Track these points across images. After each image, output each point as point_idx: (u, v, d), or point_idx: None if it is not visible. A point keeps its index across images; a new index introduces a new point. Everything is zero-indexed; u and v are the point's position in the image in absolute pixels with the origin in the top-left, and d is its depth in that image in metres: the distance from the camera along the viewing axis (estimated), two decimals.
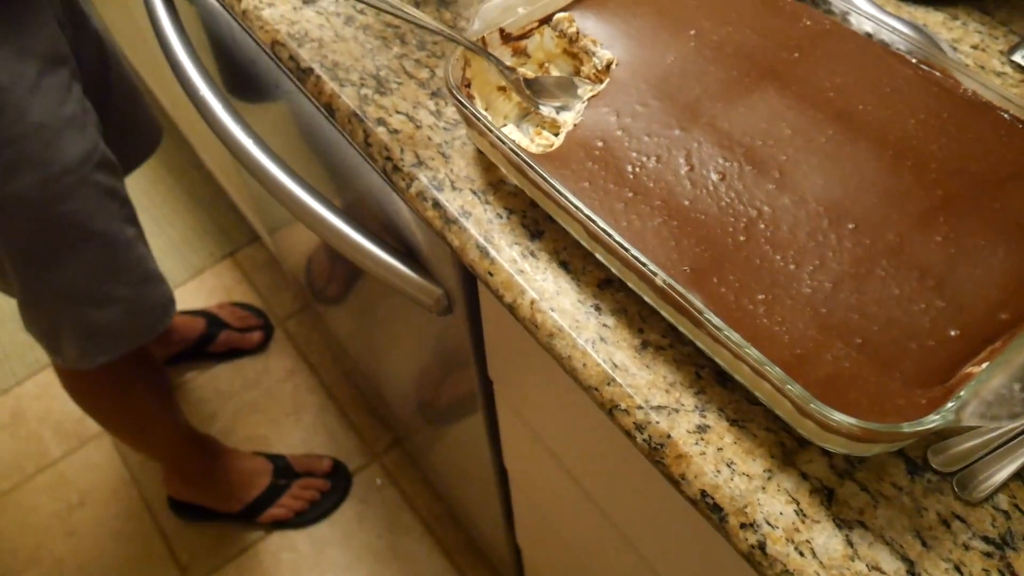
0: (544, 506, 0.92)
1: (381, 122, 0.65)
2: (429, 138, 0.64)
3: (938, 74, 0.56)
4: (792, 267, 0.49)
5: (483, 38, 0.61)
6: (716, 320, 0.46)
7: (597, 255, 0.53)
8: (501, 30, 0.62)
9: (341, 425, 1.63)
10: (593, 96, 0.59)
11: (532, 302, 0.54)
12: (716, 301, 0.48)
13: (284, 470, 1.53)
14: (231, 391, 1.68)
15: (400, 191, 0.63)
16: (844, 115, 0.55)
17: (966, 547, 0.44)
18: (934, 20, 0.68)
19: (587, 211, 0.51)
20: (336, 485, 1.54)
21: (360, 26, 0.72)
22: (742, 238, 0.50)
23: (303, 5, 0.74)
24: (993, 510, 0.45)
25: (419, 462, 1.53)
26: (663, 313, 0.51)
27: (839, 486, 0.46)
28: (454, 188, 0.60)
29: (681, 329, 0.50)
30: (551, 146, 0.59)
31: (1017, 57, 0.63)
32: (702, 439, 0.48)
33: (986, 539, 0.44)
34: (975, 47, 0.66)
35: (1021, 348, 0.43)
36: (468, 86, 0.60)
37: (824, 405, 0.42)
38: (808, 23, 0.60)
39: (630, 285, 0.52)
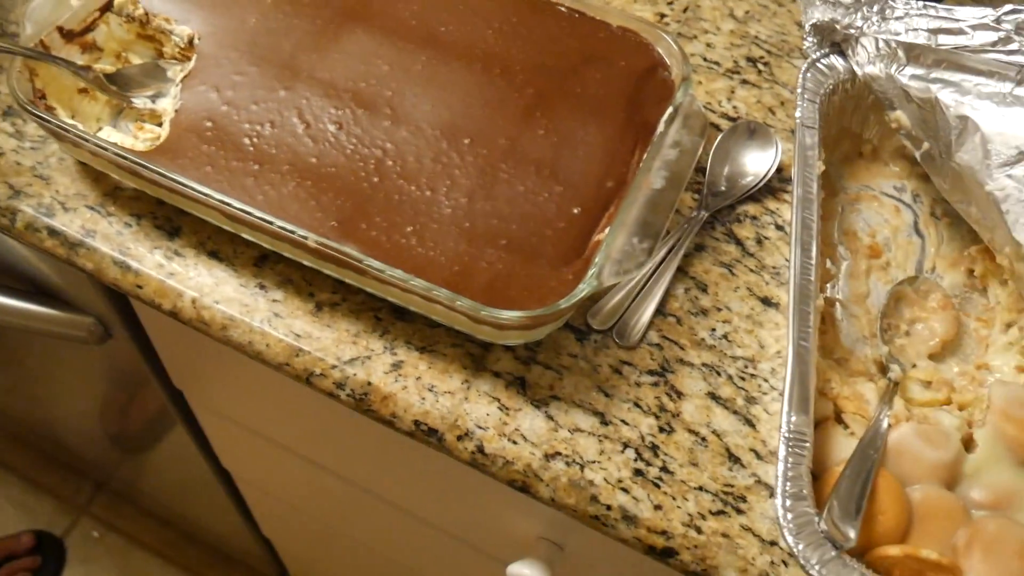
0: (278, 491, 0.91)
1: None
2: (18, 163, 0.57)
3: None
4: (428, 193, 0.52)
5: (41, 41, 0.55)
6: (376, 264, 0.47)
7: (244, 235, 0.52)
8: (60, 28, 0.56)
9: (28, 492, 1.45)
10: (186, 76, 0.56)
11: (193, 301, 0.52)
12: (371, 245, 0.49)
13: None
14: None
15: (5, 229, 0.56)
16: (430, 40, 0.58)
17: (637, 384, 0.51)
18: None
19: (218, 196, 0.49)
20: (47, 558, 1.38)
21: None
22: (376, 179, 0.52)
23: None
24: (648, 347, 0.53)
25: (132, 497, 1.41)
26: (326, 271, 0.51)
27: (527, 372, 0.51)
28: (67, 209, 0.55)
29: (348, 281, 0.51)
30: (157, 138, 0.56)
31: None
32: (400, 375, 0.50)
33: (651, 372, 0.52)
34: None
35: (628, 209, 0.50)
36: (43, 97, 0.55)
37: (492, 309, 0.46)
38: None
39: (287, 255, 0.52)
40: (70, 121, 0.54)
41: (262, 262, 0.54)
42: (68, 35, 0.57)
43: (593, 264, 0.48)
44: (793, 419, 0.46)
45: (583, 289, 0.47)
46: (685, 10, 0.69)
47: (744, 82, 0.64)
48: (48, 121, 0.51)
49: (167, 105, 0.57)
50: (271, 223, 0.48)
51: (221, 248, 0.54)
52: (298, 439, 0.73)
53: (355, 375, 0.50)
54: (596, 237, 0.50)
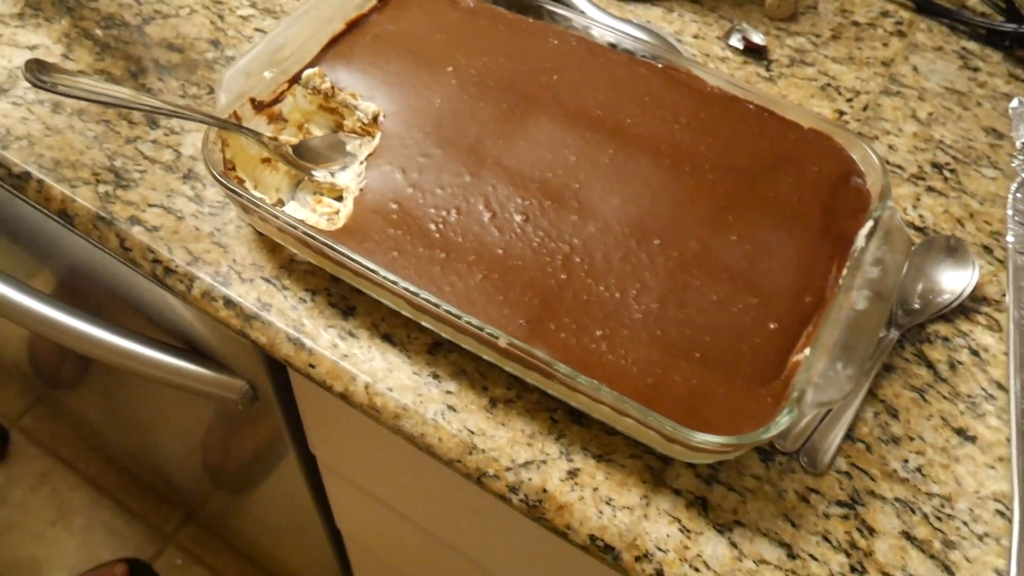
0: (386, 554, 0.90)
1: (135, 221, 0.57)
2: (197, 228, 0.57)
3: (683, 74, 0.60)
4: (617, 295, 0.50)
5: (235, 112, 0.56)
6: (567, 369, 0.46)
7: (423, 323, 0.52)
8: (252, 100, 0.57)
9: (120, 516, 1.47)
10: (371, 155, 0.56)
11: (367, 386, 0.51)
12: (560, 348, 0.48)
13: None
14: None
15: (181, 295, 0.56)
16: (617, 131, 0.57)
17: (826, 515, 0.48)
18: (655, 15, 0.72)
19: (408, 285, 0.48)
20: None
21: (74, 111, 0.63)
22: (564, 276, 0.51)
23: None
24: (837, 474, 0.50)
25: (219, 531, 1.42)
26: (506, 368, 0.50)
27: (709, 493, 0.49)
28: (243, 280, 0.55)
29: (529, 381, 0.50)
30: (336, 212, 0.56)
31: (733, 41, 0.69)
32: (576, 484, 0.48)
33: (840, 503, 0.49)
34: (696, 36, 0.71)
35: (830, 329, 0.47)
36: (232, 168, 0.55)
37: (688, 430, 0.44)
38: (556, 42, 0.61)
39: (466, 347, 0.51)
40: (258, 194, 0.54)
41: (436, 349, 0.53)
42: (259, 106, 0.57)
43: (793, 388, 0.46)
44: None
45: (785, 419, 0.44)
46: (865, 108, 0.66)
47: (930, 189, 0.62)
48: (240, 195, 0.51)
49: (348, 181, 0.57)
50: (460, 318, 0.47)
51: (395, 332, 0.54)
52: (428, 515, 0.72)
53: (530, 480, 0.49)
54: (795, 357, 0.48)
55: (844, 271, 0.50)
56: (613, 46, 0.62)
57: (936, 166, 0.63)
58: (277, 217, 0.51)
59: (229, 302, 0.54)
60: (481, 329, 0.47)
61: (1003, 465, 0.50)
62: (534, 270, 0.51)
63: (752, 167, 0.55)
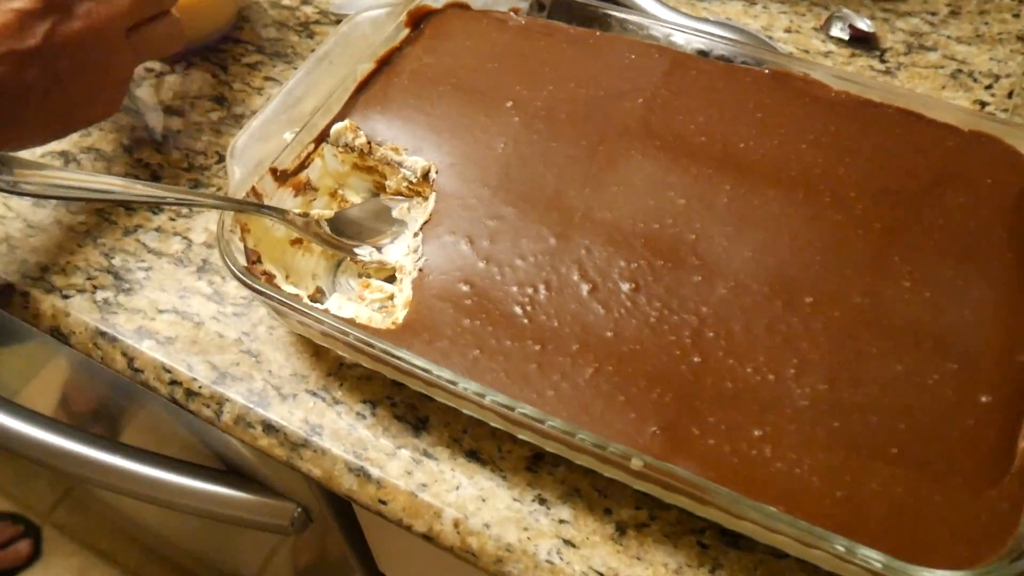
0: None
1: (144, 333, 0.46)
2: (220, 336, 0.46)
3: (799, 80, 0.48)
4: (771, 378, 0.38)
5: (254, 188, 0.45)
6: (727, 493, 0.34)
7: (521, 435, 0.40)
8: (273, 170, 0.46)
9: None
10: (426, 222, 0.45)
11: (456, 523, 0.40)
12: (710, 461, 0.36)
13: None
14: None
15: (209, 421, 0.45)
16: (729, 161, 0.45)
17: None
18: (734, 11, 0.60)
19: (501, 398, 0.37)
20: None
21: (59, 204, 0.52)
22: (697, 359, 0.39)
23: None
24: None
25: None
26: (637, 487, 0.38)
27: None
28: (284, 396, 0.44)
29: (670, 502, 0.38)
30: (389, 298, 0.45)
31: (835, 31, 0.58)
32: None
33: None
34: (789, 31, 0.59)
35: None
36: (258, 261, 0.44)
37: (915, 566, 0.32)
38: (633, 57, 0.50)
39: (579, 462, 0.40)
40: (291, 290, 0.43)
41: (537, 464, 0.42)
42: (281, 176, 0.46)
43: None
44: None
45: None
46: (1010, 95, 0.54)
47: None
48: (270, 296, 0.40)
49: (401, 258, 0.45)
50: (574, 435, 0.36)
51: (482, 446, 0.42)
52: None
53: None
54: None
55: None
56: (703, 54, 0.50)
57: None
58: (321, 321, 0.40)
59: (269, 427, 0.43)
60: (604, 448, 0.36)
61: None
62: (657, 355, 0.39)
63: (910, 189, 0.44)
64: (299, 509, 0.53)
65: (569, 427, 0.36)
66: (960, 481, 0.35)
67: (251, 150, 0.45)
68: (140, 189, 0.42)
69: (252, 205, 0.44)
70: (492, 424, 0.41)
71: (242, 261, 0.42)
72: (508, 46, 0.51)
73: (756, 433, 0.37)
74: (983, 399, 0.37)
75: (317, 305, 0.42)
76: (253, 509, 0.53)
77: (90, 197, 0.41)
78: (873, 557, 0.32)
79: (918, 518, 0.34)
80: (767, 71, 0.49)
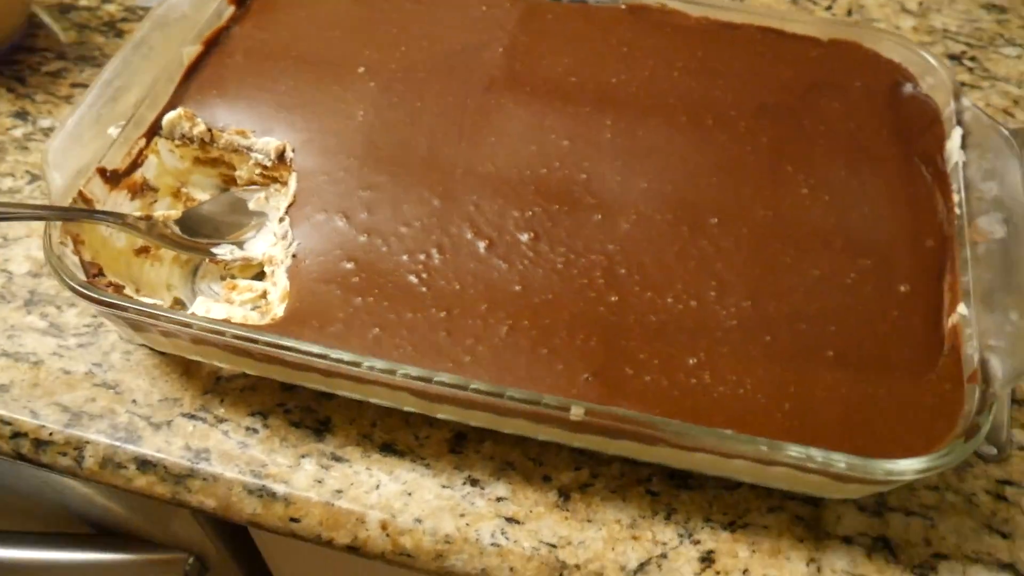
0: None
1: None
2: (66, 371, 0.40)
3: (656, 12, 0.47)
4: (694, 304, 0.36)
5: (81, 194, 0.38)
6: (680, 424, 0.32)
7: (440, 415, 0.36)
8: (101, 170, 0.39)
9: None
10: (291, 205, 0.40)
11: (384, 525, 0.36)
12: (650, 397, 0.34)
13: None
14: None
15: (70, 472, 0.38)
16: (605, 97, 0.43)
17: None
18: None
19: (412, 370, 0.33)
20: None
21: None
22: (614, 298, 0.36)
23: None
24: (1015, 452, 0.38)
25: None
26: (575, 445, 0.35)
27: (886, 528, 0.36)
28: (156, 426, 0.38)
29: (613, 453, 0.35)
30: (263, 296, 0.40)
31: None
32: (718, 572, 0.34)
33: None
34: None
35: (975, 271, 0.36)
36: (100, 274, 0.38)
37: (877, 461, 0.31)
38: (484, 8, 0.47)
39: (506, 431, 0.36)
40: (147, 300, 0.37)
41: (460, 445, 0.38)
42: (112, 177, 0.40)
43: (969, 358, 0.33)
44: None
45: (988, 414, 0.32)
46: (849, 12, 0.55)
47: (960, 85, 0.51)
48: (126, 308, 0.34)
49: (268, 249, 0.40)
50: (502, 395, 0.32)
51: (397, 437, 0.38)
52: None
53: None
54: (949, 321, 0.36)
55: (956, 197, 0.39)
56: None
57: (953, 57, 0.53)
58: (190, 325, 0.34)
59: (145, 463, 0.37)
60: (538, 403, 0.32)
61: None
62: (573, 301, 0.36)
63: (786, 102, 0.43)
64: (192, 559, 0.47)
65: (495, 388, 0.32)
66: (899, 372, 0.34)
67: (71, 153, 0.39)
68: None
69: (81, 212, 0.37)
70: (405, 409, 0.36)
71: (81, 276, 0.36)
72: (348, 12, 0.47)
73: (691, 361, 0.35)
74: (902, 288, 0.37)
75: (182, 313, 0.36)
76: (137, 570, 0.46)
77: None
78: (835, 459, 0.31)
79: (869, 415, 0.33)
80: (623, 6, 0.47)
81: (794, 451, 0.31)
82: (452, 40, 0.45)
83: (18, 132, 0.49)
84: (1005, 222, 0.37)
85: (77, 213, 0.37)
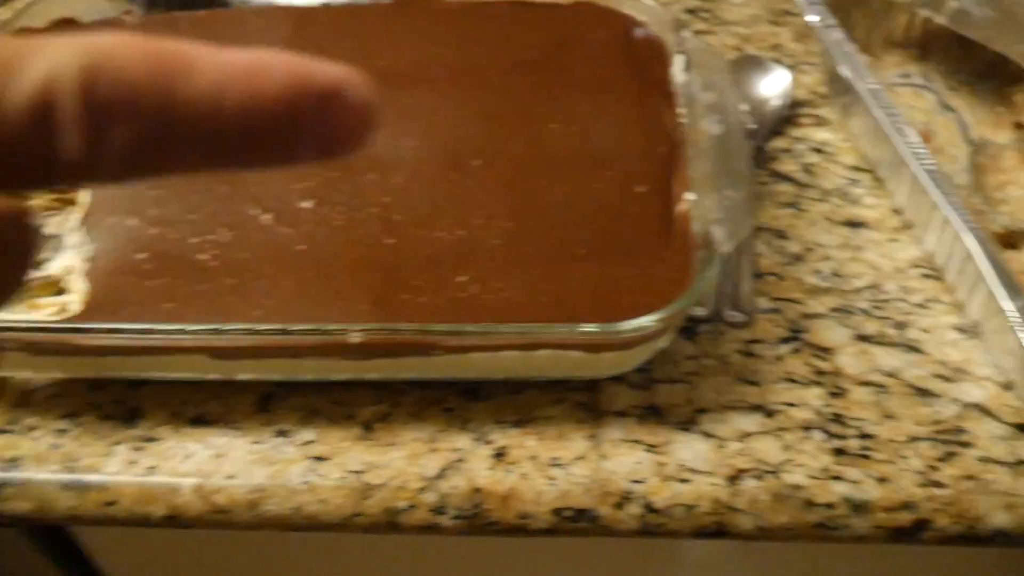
0: None
1: None
2: None
3: (419, 2, 0.52)
4: (463, 232, 0.40)
5: None
6: (446, 327, 0.35)
7: (240, 376, 0.39)
8: None
9: None
10: (86, 216, 0.42)
11: (198, 488, 0.37)
12: (426, 314, 0.37)
13: None
14: None
15: None
16: (374, 74, 0.45)
17: (778, 358, 0.41)
18: None
19: (205, 327, 0.35)
20: None
21: None
22: (391, 241, 0.40)
23: None
24: (765, 315, 0.43)
25: None
26: (369, 377, 0.38)
27: (655, 398, 0.39)
28: None
29: (403, 377, 0.38)
30: (63, 308, 0.41)
31: None
32: (510, 463, 0.37)
33: (784, 340, 0.42)
34: None
35: (696, 164, 0.41)
36: None
37: (617, 324, 0.35)
38: (262, 22, 0.51)
39: (308, 379, 0.39)
40: None
41: (267, 404, 0.40)
42: None
43: (695, 233, 0.38)
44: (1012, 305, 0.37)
45: (710, 272, 0.37)
46: None
47: (699, 33, 0.58)
48: None
49: (68, 261, 0.42)
50: (288, 332, 0.35)
51: (207, 410, 0.40)
52: None
53: (455, 488, 0.37)
54: (679, 208, 0.40)
55: (682, 110, 0.44)
56: (326, 5, 0.52)
57: (691, 12, 0.60)
58: None
59: None
60: (319, 332, 0.35)
61: (902, 233, 0.46)
62: (353, 249, 0.40)
63: (537, 57, 0.48)
64: None
65: (279, 326, 0.35)
66: (642, 256, 0.39)
67: None
68: None
69: None
70: (209, 377, 0.39)
71: None
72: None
73: (461, 279, 0.38)
74: (639, 189, 0.41)
75: None
76: None
77: None
78: (588, 328, 0.35)
79: (616, 294, 0.37)
80: (390, 1, 0.52)
81: (544, 330, 0.35)
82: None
83: None
84: (721, 122, 0.42)
85: None
